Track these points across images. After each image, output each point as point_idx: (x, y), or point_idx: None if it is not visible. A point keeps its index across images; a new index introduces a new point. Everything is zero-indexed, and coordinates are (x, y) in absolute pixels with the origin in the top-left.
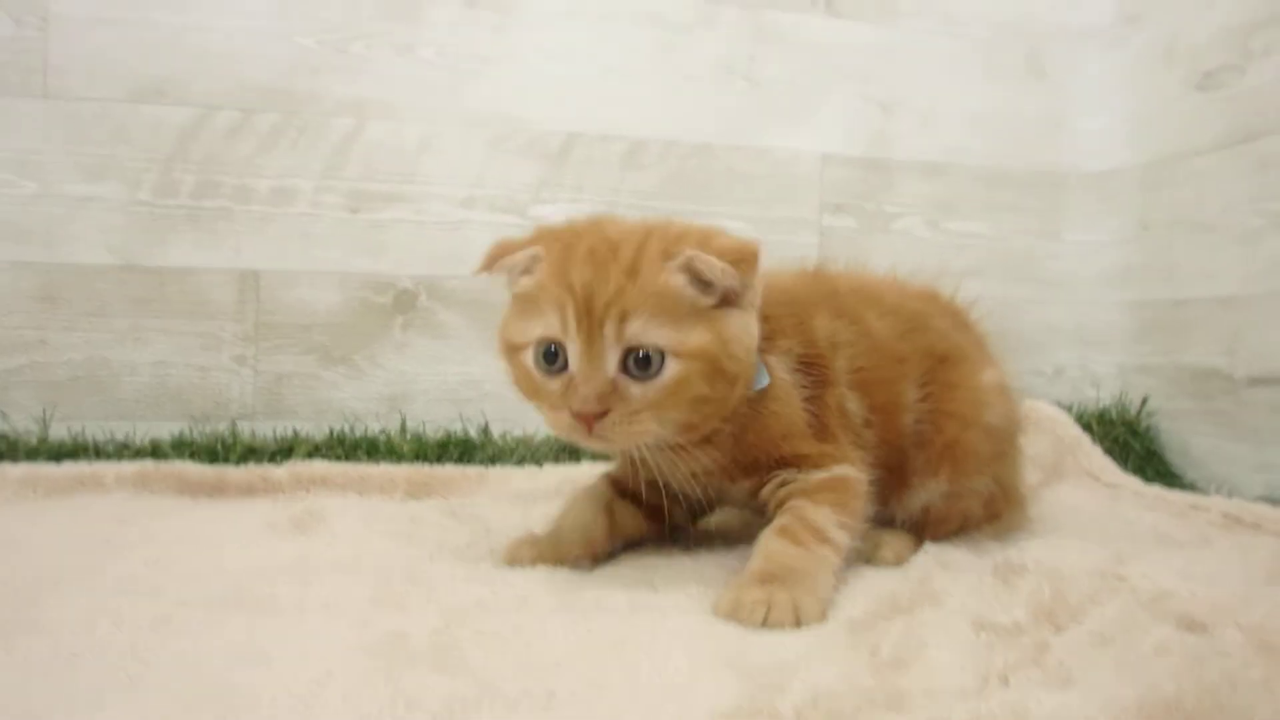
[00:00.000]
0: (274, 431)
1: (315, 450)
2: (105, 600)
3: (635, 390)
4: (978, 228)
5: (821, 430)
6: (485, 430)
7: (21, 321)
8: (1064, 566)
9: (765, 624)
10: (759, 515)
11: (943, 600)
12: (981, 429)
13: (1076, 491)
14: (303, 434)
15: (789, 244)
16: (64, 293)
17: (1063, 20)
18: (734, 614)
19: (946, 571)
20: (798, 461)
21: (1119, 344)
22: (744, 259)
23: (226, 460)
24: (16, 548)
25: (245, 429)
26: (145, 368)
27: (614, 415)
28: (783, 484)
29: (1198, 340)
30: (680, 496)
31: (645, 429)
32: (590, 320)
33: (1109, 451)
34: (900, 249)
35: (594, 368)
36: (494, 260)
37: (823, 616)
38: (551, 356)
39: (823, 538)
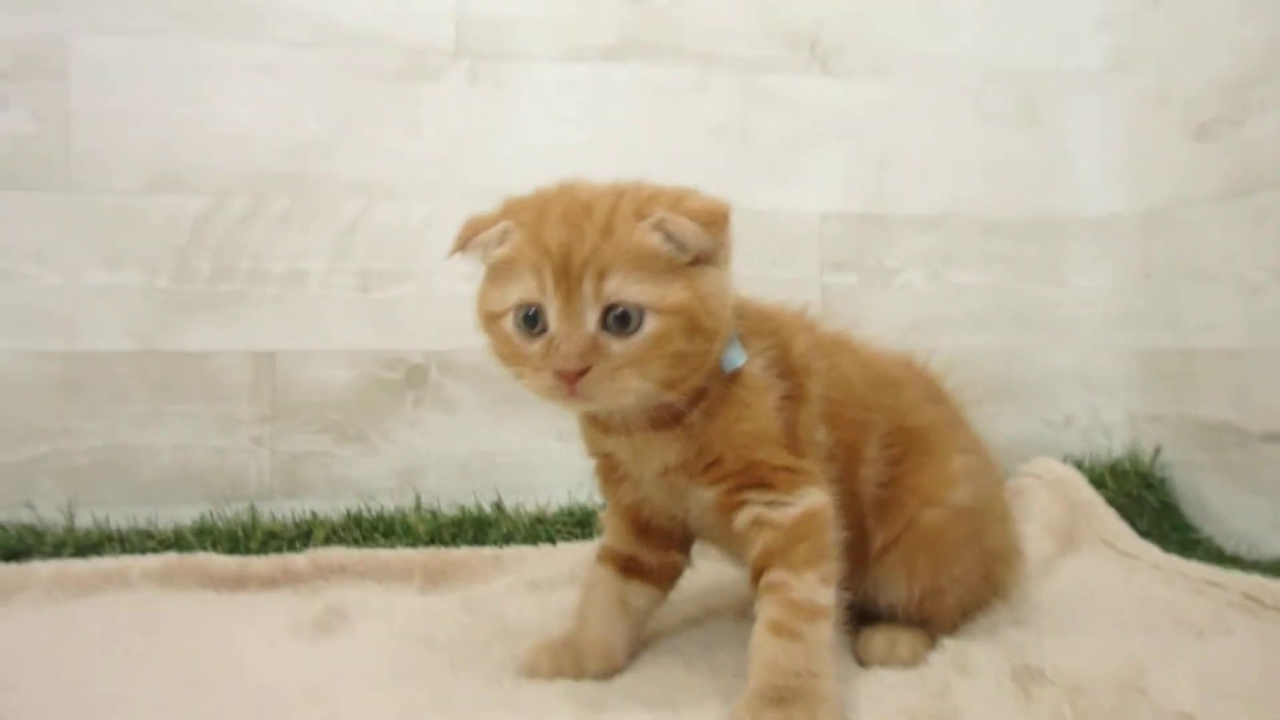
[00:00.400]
0: (292, 513)
1: (333, 533)
2: None
3: (616, 347)
4: (978, 277)
5: (793, 443)
6: (498, 505)
7: (44, 410)
8: (1084, 675)
9: None
10: (737, 560)
11: (967, 717)
12: (950, 511)
13: (1092, 563)
14: (320, 514)
15: (792, 302)
16: (85, 379)
17: (1054, 66)
18: None
19: (965, 678)
20: (767, 475)
21: (1127, 391)
22: (715, 220)
23: (248, 545)
24: (50, 666)
25: (264, 510)
26: (165, 451)
27: (595, 372)
28: (756, 522)
29: (1207, 392)
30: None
31: (627, 385)
32: (568, 279)
33: (1123, 506)
34: (902, 303)
35: (574, 325)
36: (466, 240)
37: None
38: (531, 319)
39: (814, 612)
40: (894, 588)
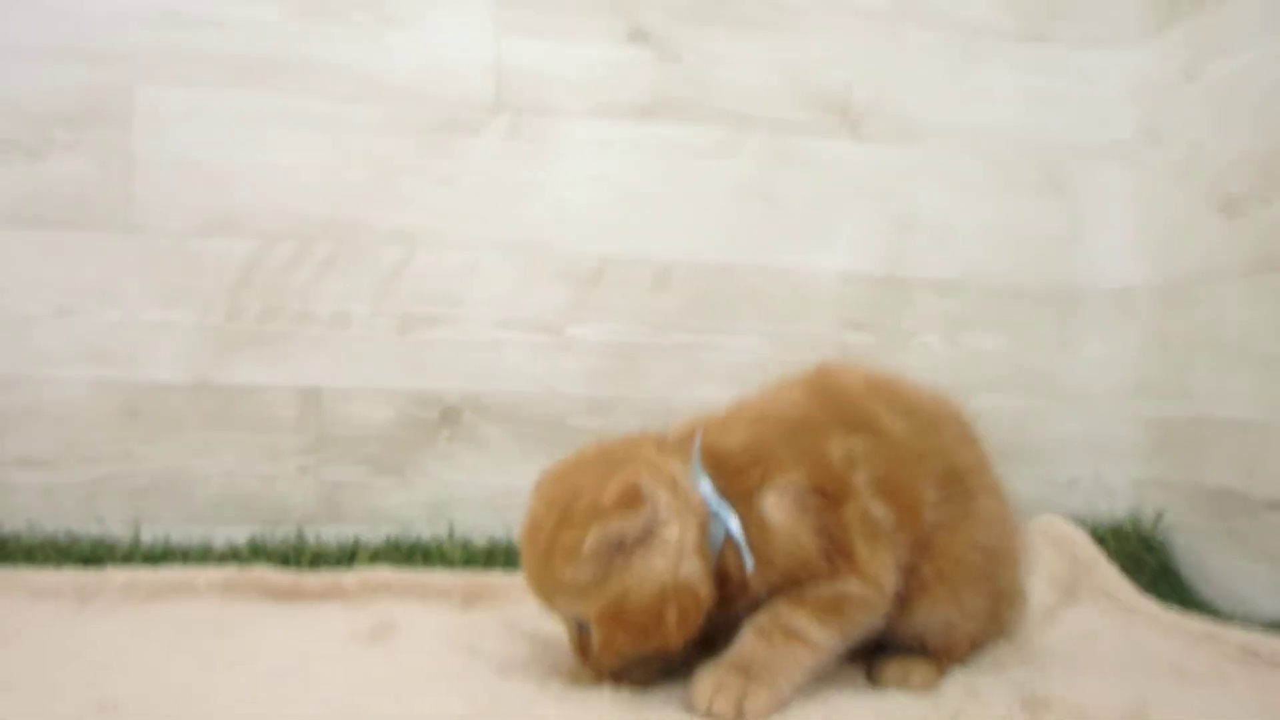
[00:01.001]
0: (336, 537)
1: (375, 556)
2: None
3: (593, 648)
4: (994, 342)
5: (835, 549)
6: None
7: (108, 435)
8: (1089, 709)
9: (710, 711)
10: None
11: None
12: (995, 557)
13: (1093, 615)
14: (362, 539)
15: (806, 361)
16: (144, 408)
17: (1083, 137)
18: (689, 699)
19: (976, 703)
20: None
21: (1133, 458)
22: (626, 502)
23: (299, 563)
24: (134, 661)
25: (310, 533)
26: (217, 477)
27: (590, 661)
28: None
29: (1215, 460)
30: None
31: (620, 663)
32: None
33: (1124, 566)
34: (918, 365)
35: (570, 634)
36: None
37: (770, 712)
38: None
39: (794, 636)
40: (917, 618)
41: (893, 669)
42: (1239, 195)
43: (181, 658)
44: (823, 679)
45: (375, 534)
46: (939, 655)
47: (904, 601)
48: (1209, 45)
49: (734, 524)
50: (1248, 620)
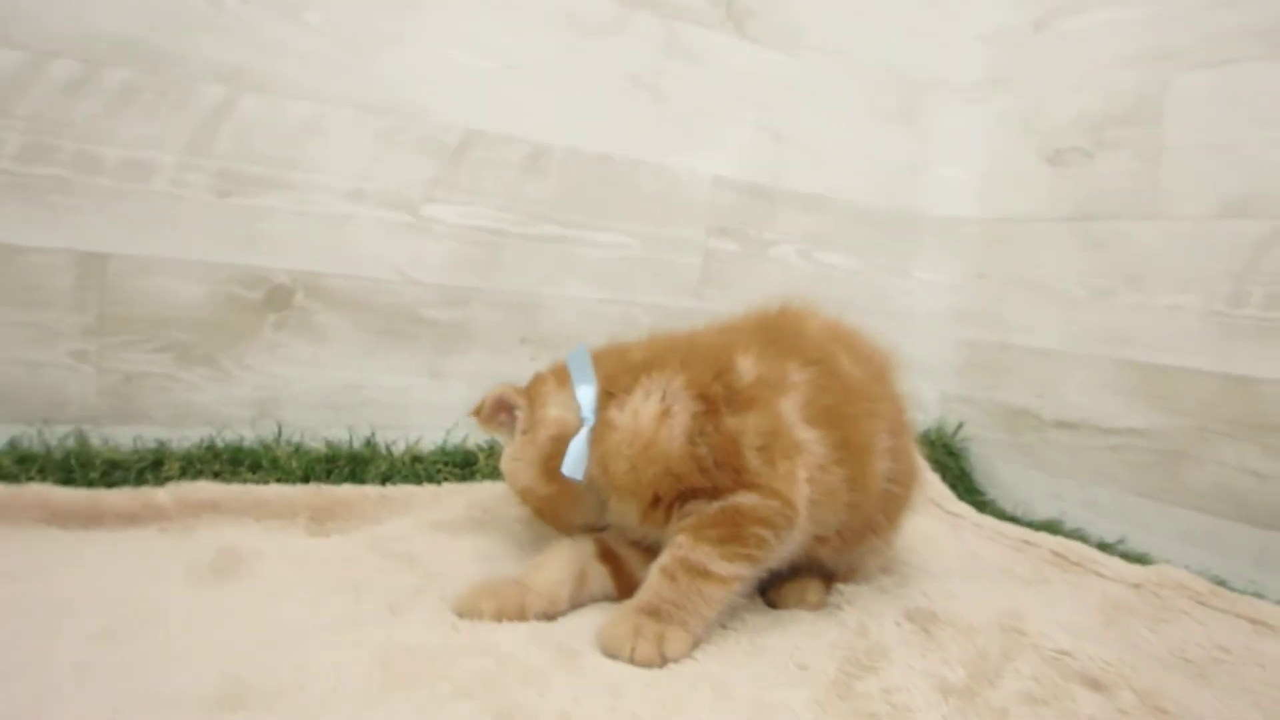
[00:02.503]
0: (129, 440)
1: (188, 464)
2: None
3: None
4: (844, 261)
5: (719, 460)
6: (370, 443)
7: None
8: (970, 618)
9: (632, 660)
10: None
11: (891, 656)
12: (913, 492)
13: (926, 521)
14: (165, 443)
15: (674, 264)
16: None
17: (938, 73)
18: (607, 647)
19: (871, 618)
20: (699, 494)
21: (945, 375)
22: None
23: (87, 477)
24: None
25: (94, 436)
26: None
27: None
28: (685, 516)
29: (1015, 382)
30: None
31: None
32: None
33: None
34: (774, 276)
35: None
36: None
37: (687, 652)
38: None
39: (700, 573)
40: (853, 552)
41: (791, 591)
42: (1066, 149)
43: None
44: (734, 607)
45: (181, 437)
46: (840, 576)
47: (852, 540)
48: (1064, 0)
49: (584, 431)
50: (1026, 520)
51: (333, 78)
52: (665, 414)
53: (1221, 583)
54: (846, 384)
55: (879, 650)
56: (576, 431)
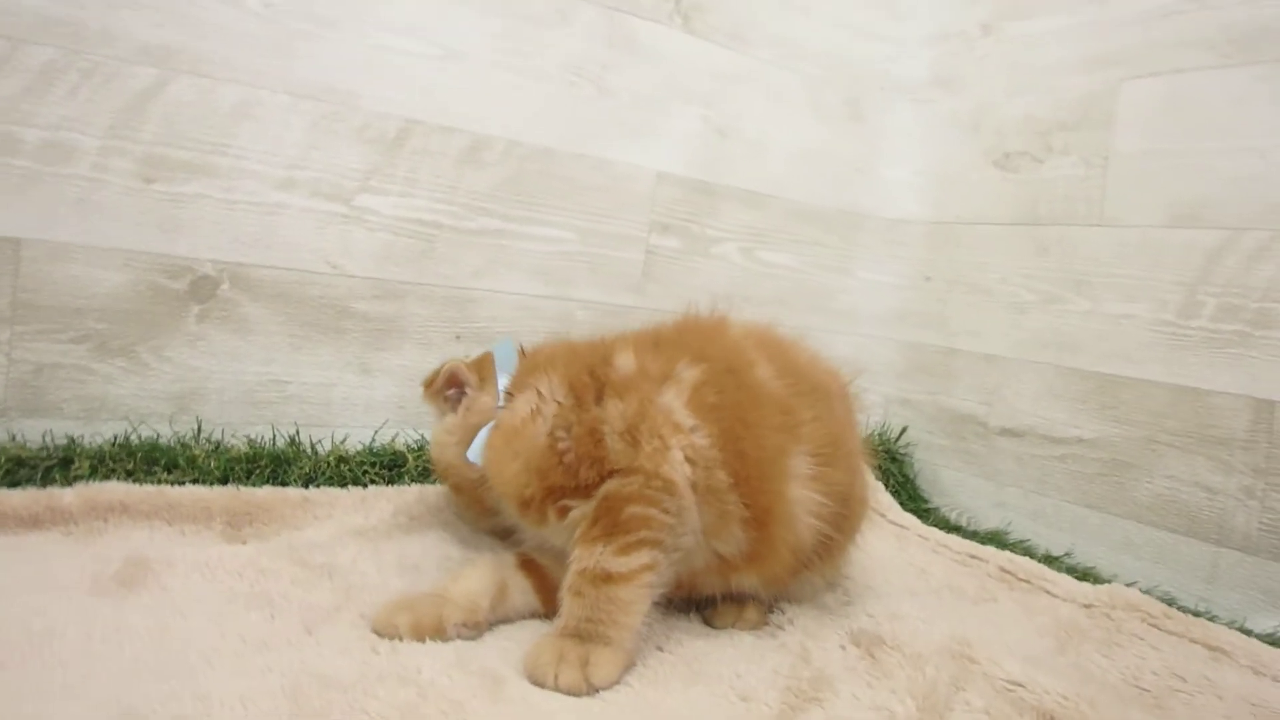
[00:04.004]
0: (39, 436)
1: (99, 462)
2: None
3: None
4: (785, 259)
5: (584, 451)
6: (294, 441)
7: None
8: (918, 643)
9: (557, 687)
10: None
11: (836, 686)
12: (857, 532)
13: (868, 530)
14: (77, 439)
15: (616, 260)
16: None
17: (885, 72)
18: (531, 674)
19: (814, 641)
20: (568, 493)
21: (887, 377)
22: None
23: None
24: None
25: (1, 431)
26: None
27: None
28: (574, 526)
29: (960, 387)
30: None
31: None
32: None
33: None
34: (716, 274)
35: None
36: None
37: (618, 677)
38: None
39: (602, 578)
40: (796, 583)
41: (727, 610)
42: (1014, 152)
43: None
44: (671, 628)
45: (95, 433)
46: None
47: (774, 573)
48: (1011, 4)
49: (492, 423)
50: (970, 530)
51: (268, 62)
52: (536, 412)
53: (1171, 600)
54: (752, 389)
55: (823, 679)
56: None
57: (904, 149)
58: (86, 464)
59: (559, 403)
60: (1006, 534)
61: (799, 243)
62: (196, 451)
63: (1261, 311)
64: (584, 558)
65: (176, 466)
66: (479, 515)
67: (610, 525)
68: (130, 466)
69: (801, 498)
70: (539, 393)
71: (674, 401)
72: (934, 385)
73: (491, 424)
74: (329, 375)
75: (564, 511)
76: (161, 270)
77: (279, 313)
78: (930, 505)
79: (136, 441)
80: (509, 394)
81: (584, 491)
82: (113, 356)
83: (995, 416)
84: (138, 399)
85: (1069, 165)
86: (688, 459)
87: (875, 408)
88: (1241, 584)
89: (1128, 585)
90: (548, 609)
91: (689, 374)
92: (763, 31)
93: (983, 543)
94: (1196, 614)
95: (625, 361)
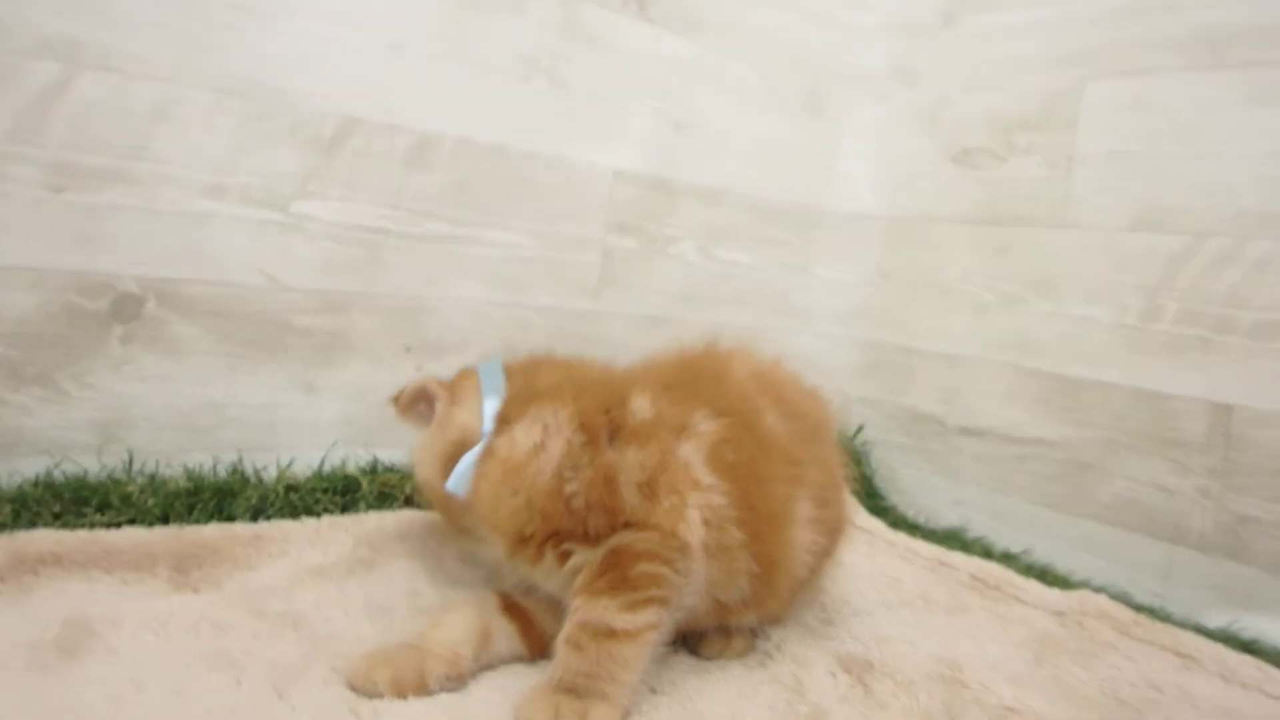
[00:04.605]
0: None
1: (21, 506)
2: None
3: None
4: (743, 257)
5: (597, 498)
6: (237, 469)
7: None
8: (906, 668)
9: None
10: None
11: (834, 716)
12: (832, 559)
13: None
14: None
15: (572, 263)
16: None
17: (844, 64)
18: None
19: (803, 669)
20: (572, 537)
21: (846, 376)
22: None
23: None
24: None
25: None
26: None
27: None
28: (576, 568)
29: (919, 386)
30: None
31: None
32: None
33: None
34: (673, 274)
35: None
36: None
37: None
38: None
39: (604, 634)
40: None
41: (715, 640)
42: (974, 149)
43: None
44: (660, 664)
45: (9, 470)
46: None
47: (766, 607)
48: None
49: (473, 450)
50: (929, 528)
51: (187, 56)
52: (541, 446)
53: (1127, 597)
54: (764, 442)
55: (820, 714)
56: (475, 444)
57: (861, 144)
58: (7, 508)
59: (568, 440)
60: (964, 531)
61: (757, 240)
62: (130, 488)
63: (1222, 317)
64: (587, 610)
65: (109, 506)
66: (459, 528)
67: (618, 580)
68: (57, 509)
69: (803, 540)
70: (544, 425)
71: (694, 456)
72: (892, 384)
73: (477, 450)
74: (271, 396)
75: (565, 557)
76: (77, 289)
77: (212, 331)
78: (888, 503)
79: (61, 479)
80: (503, 419)
81: (589, 540)
82: (27, 385)
83: (954, 416)
84: (58, 430)
85: (1032, 165)
86: (704, 520)
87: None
88: (1195, 582)
89: (1090, 588)
90: (531, 654)
91: (707, 427)
92: (719, 19)
93: (941, 541)
94: (1153, 611)
95: (642, 405)
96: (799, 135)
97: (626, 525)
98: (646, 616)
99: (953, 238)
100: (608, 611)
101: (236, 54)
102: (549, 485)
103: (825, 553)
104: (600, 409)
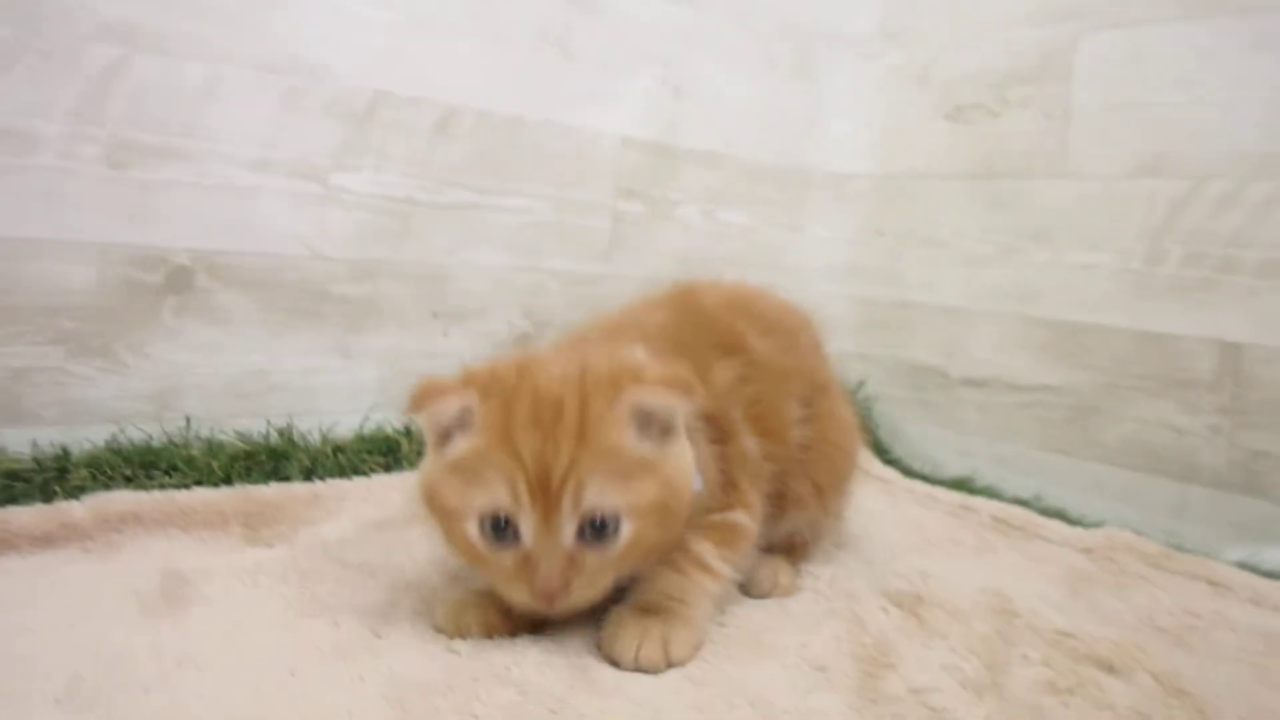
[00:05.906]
0: (23, 444)
1: (96, 470)
2: None
3: (592, 557)
4: (740, 218)
5: (727, 480)
6: (285, 433)
7: None
8: (956, 600)
9: (636, 663)
10: None
11: (900, 650)
12: (850, 459)
13: (858, 488)
14: (65, 445)
15: (584, 228)
16: None
17: (832, 24)
18: (611, 650)
19: (859, 605)
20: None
21: (842, 332)
22: (686, 387)
23: None
24: None
25: None
26: None
27: (575, 584)
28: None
29: (918, 340)
30: None
31: (605, 585)
32: (546, 495)
33: None
34: (678, 237)
35: (553, 543)
36: (421, 403)
37: (693, 655)
38: (500, 529)
39: (703, 566)
40: (788, 521)
41: (764, 576)
42: (967, 105)
43: None
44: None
45: (77, 438)
46: (796, 553)
47: (775, 514)
48: None
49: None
50: (935, 479)
51: (231, 34)
52: (702, 439)
53: (1141, 536)
54: (762, 370)
55: (885, 644)
56: None
57: (852, 103)
58: (85, 472)
59: (710, 434)
60: (971, 480)
61: (753, 201)
62: (192, 451)
63: (1227, 258)
64: (696, 543)
65: (176, 469)
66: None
67: (726, 538)
68: (128, 473)
69: (794, 436)
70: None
71: (739, 424)
72: (891, 339)
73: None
74: (311, 362)
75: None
76: (135, 263)
77: (257, 301)
78: (893, 456)
79: (129, 445)
80: None
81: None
82: (90, 357)
83: (956, 367)
84: (119, 400)
85: (1028, 119)
86: (753, 478)
87: (832, 362)
88: (1210, 518)
89: (1108, 527)
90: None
91: (723, 376)
92: None
93: (949, 489)
94: (1173, 548)
95: (721, 381)
96: (792, 97)
97: (736, 505)
98: (729, 569)
99: (947, 193)
100: (708, 552)
101: (277, 32)
102: (715, 471)
103: (821, 450)
104: (713, 402)
